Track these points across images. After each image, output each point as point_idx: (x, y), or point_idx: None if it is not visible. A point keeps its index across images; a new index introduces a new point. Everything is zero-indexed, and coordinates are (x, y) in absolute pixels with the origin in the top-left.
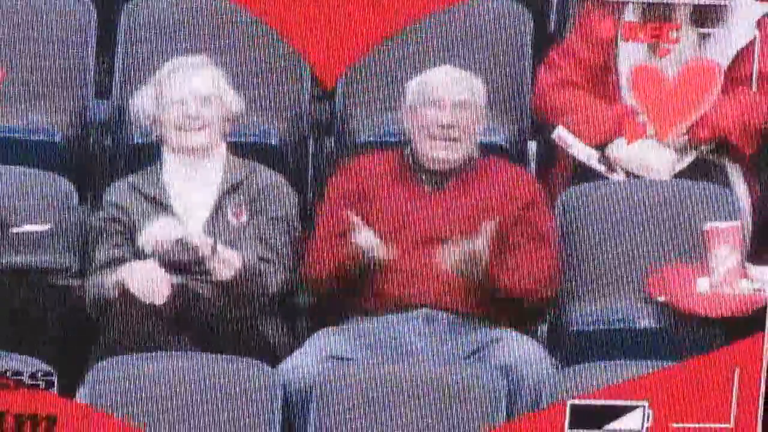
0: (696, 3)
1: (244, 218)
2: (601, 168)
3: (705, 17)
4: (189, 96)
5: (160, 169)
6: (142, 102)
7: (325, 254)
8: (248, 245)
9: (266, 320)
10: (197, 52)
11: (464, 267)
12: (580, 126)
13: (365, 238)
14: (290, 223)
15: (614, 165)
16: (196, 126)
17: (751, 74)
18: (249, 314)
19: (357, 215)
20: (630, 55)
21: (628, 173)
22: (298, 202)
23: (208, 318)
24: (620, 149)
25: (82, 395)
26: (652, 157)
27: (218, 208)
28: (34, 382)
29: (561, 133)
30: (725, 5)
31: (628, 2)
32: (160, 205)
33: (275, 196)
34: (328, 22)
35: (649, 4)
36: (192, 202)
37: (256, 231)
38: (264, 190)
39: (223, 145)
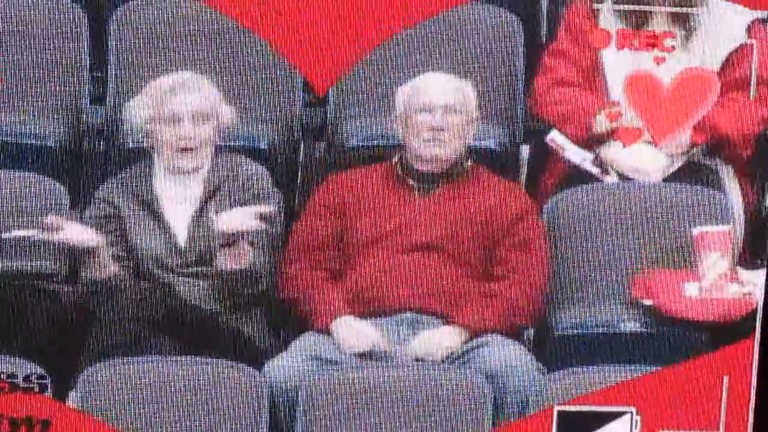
0: (671, 11)
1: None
2: (595, 170)
3: (681, 22)
4: (186, 116)
5: (150, 170)
6: (137, 114)
7: (293, 271)
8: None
9: (252, 323)
10: (188, 59)
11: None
12: (563, 118)
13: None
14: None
15: (607, 167)
16: (189, 146)
17: (744, 78)
18: (235, 317)
19: (339, 228)
20: (617, 61)
21: (620, 175)
22: (280, 199)
23: (194, 321)
24: (613, 151)
25: (73, 399)
26: (644, 160)
27: (202, 208)
28: (28, 385)
29: (554, 137)
30: (701, 12)
31: (601, 9)
32: (149, 206)
33: (257, 189)
34: (320, 28)
35: (625, 10)
36: (179, 203)
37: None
38: (246, 184)
39: (210, 150)
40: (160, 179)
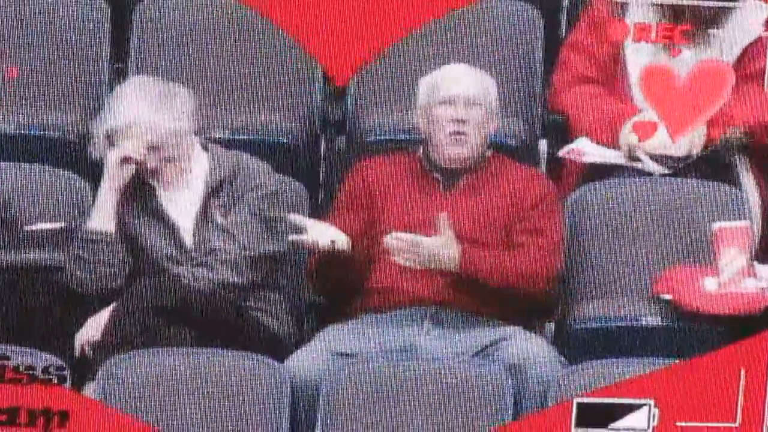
0: (704, 4)
1: (231, 215)
2: (622, 161)
3: (712, 17)
4: (137, 124)
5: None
6: (99, 133)
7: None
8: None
9: (274, 316)
10: (209, 52)
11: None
12: (591, 124)
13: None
14: (267, 218)
15: (635, 154)
16: (163, 157)
17: (759, 71)
18: (255, 309)
19: (367, 218)
20: (639, 54)
21: (651, 157)
22: (281, 192)
23: (215, 313)
24: (634, 140)
25: (93, 391)
26: (667, 146)
27: (205, 207)
28: (46, 377)
29: (570, 149)
30: (734, 8)
31: (631, 2)
32: (151, 209)
33: (258, 190)
34: (340, 21)
35: (657, 4)
36: (181, 204)
37: (230, 227)
38: (248, 184)
39: (199, 142)
40: (158, 179)
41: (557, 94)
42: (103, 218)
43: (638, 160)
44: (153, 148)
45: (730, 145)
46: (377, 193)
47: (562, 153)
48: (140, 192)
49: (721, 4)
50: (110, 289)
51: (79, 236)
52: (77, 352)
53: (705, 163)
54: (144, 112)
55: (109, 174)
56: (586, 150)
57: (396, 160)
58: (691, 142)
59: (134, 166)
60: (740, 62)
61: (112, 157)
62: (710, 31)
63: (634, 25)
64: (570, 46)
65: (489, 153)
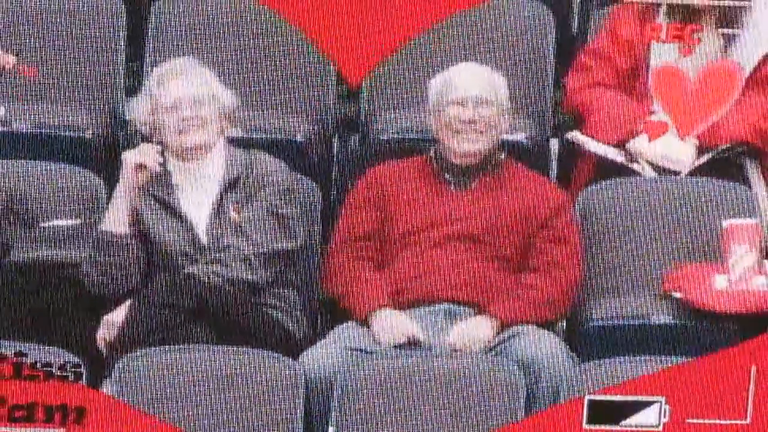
0: (721, 4)
1: (245, 212)
2: (621, 159)
3: (731, 19)
4: (182, 99)
5: (168, 171)
6: (137, 111)
7: (339, 267)
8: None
9: (288, 313)
10: (223, 53)
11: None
12: (605, 123)
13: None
14: (281, 215)
15: (635, 157)
16: (194, 126)
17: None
18: (269, 306)
19: (380, 219)
20: (661, 56)
21: (651, 165)
22: (295, 189)
23: (230, 311)
24: (642, 142)
25: (109, 388)
26: (673, 149)
27: (219, 204)
28: (63, 374)
29: (575, 134)
30: (751, 7)
31: (660, 4)
32: (168, 207)
33: (272, 187)
34: (354, 21)
35: (676, 5)
36: (196, 202)
37: (244, 224)
38: (262, 182)
39: (222, 142)
40: (176, 178)
41: (572, 95)
42: (116, 220)
43: (636, 162)
44: (196, 100)
45: (734, 151)
46: (389, 195)
47: (568, 135)
48: (157, 188)
49: (736, 3)
50: (125, 291)
51: (94, 237)
52: (102, 348)
53: (715, 163)
54: (183, 62)
55: (123, 178)
56: (581, 138)
57: (407, 164)
58: (692, 159)
59: (148, 173)
60: (760, 66)
61: (127, 162)
62: (727, 31)
63: (647, 25)
64: (590, 52)
65: (503, 156)
